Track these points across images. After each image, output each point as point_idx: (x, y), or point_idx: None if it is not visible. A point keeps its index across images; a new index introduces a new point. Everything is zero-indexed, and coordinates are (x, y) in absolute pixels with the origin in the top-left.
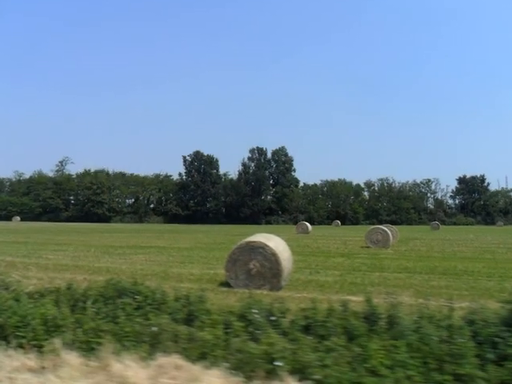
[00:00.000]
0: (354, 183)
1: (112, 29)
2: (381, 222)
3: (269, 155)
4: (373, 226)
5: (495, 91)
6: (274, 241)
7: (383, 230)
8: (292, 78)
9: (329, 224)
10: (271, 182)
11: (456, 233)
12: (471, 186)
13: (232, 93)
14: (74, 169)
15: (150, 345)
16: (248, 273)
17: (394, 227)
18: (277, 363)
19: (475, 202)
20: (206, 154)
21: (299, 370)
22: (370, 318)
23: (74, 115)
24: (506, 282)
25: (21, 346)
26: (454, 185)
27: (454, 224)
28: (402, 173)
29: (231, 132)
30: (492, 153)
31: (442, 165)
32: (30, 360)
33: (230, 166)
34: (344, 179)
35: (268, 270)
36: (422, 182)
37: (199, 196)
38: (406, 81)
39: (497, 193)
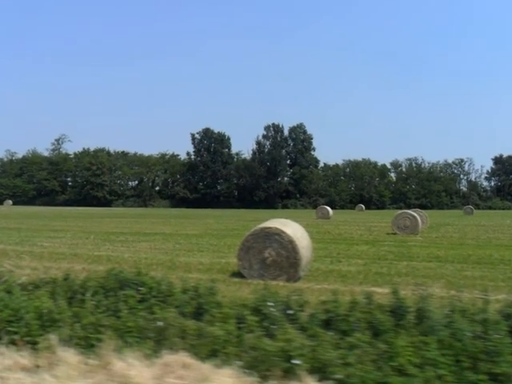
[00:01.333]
0: (380, 164)
1: None
2: (409, 207)
3: (286, 133)
4: (400, 211)
5: None
6: (292, 227)
7: (411, 215)
8: (311, 48)
9: (352, 208)
10: (288, 162)
11: (491, 218)
12: (508, 167)
13: (245, 65)
14: (71, 148)
15: (154, 341)
16: (263, 262)
17: (424, 212)
18: (294, 361)
19: None
20: (216, 131)
21: (319, 369)
22: (397, 311)
23: (72, 89)
24: None
25: (13, 343)
26: (489, 165)
27: (490, 208)
28: (433, 152)
29: (244, 107)
30: None
31: (477, 143)
32: (23, 358)
33: (243, 145)
34: (368, 159)
35: (285, 258)
36: (454, 163)
37: (209, 177)
38: (439, 51)
39: None
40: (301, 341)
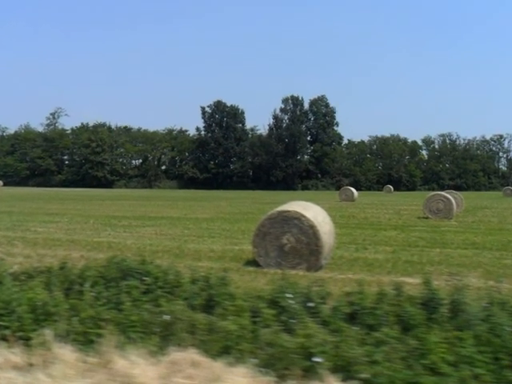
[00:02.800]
0: (410, 140)
1: None
2: (442, 188)
3: (306, 106)
4: (433, 193)
5: None
6: (313, 210)
7: (445, 198)
8: (333, 12)
9: (379, 190)
10: (309, 138)
11: None
12: None
13: (261, 31)
14: (68, 122)
15: (160, 337)
16: (280, 249)
17: (459, 194)
18: (316, 359)
19: None
20: (229, 104)
21: (343, 368)
22: (429, 304)
23: (69, 57)
24: None
25: (4, 339)
26: None
27: None
28: (469, 128)
29: (260, 78)
30: None
31: None
32: (15, 355)
33: (259, 120)
34: (397, 135)
35: (305, 245)
36: (492, 139)
37: (221, 155)
38: (479, 13)
39: None
40: (322, 336)
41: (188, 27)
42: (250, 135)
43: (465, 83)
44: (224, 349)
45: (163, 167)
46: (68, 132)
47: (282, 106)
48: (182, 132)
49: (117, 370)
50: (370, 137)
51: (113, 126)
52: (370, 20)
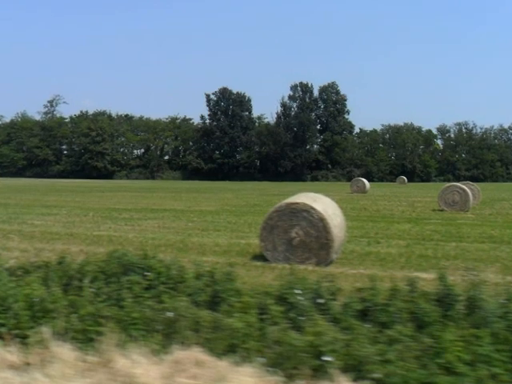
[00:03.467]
0: (425, 129)
1: None
2: (458, 179)
3: (315, 93)
4: (448, 184)
5: None
6: (323, 202)
7: (461, 189)
8: None
9: (392, 181)
10: (318, 127)
11: None
12: None
13: (267, 13)
14: (67, 111)
15: (163, 335)
16: (289, 243)
17: (475, 185)
18: (325, 358)
19: None
20: (235, 91)
21: (354, 367)
22: (445, 300)
23: (68, 42)
24: None
25: (0, 337)
26: None
27: None
28: (486, 116)
29: (267, 64)
30: None
31: None
32: (12, 354)
33: (266, 107)
34: (411, 124)
35: (314, 239)
36: (510, 128)
37: (227, 145)
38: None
39: None
40: (333, 334)
41: (192, 10)
42: (256, 124)
43: (482, 69)
44: (230, 347)
45: (166, 157)
46: (66, 120)
47: (291, 94)
48: (185, 120)
49: (118, 369)
50: (382, 125)
51: (113, 114)
52: (383, 2)
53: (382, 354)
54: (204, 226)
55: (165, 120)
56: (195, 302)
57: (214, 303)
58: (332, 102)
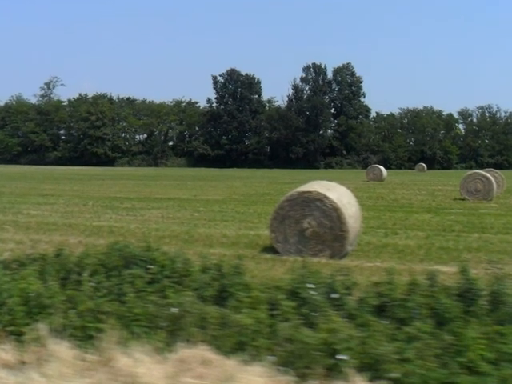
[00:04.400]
0: (445, 113)
1: None
2: (481, 166)
3: (329, 75)
4: (470, 172)
5: None
6: (337, 191)
7: (484, 177)
8: None
9: (411, 168)
10: (332, 110)
11: None
12: None
13: None
14: (64, 93)
15: (168, 332)
16: (301, 234)
17: (499, 172)
18: (340, 357)
19: None
20: (243, 73)
21: (370, 366)
22: (467, 295)
23: (66, 21)
24: None
25: None
26: None
27: None
28: (510, 99)
29: (278, 44)
30: None
31: None
32: (6, 352)
33: (277, 90)
34: (431, 107)
35: (328, 230)
36: None
37: (235, 130)
38: None
39: None
40: (348, 331)
41: None
42: (267, 107)
43: (507, 49)
44: (238, 345)
45: (170, 143)
46: (64, 104)
47: (303, 75)
48: (191, 104)
49: (119, 368)
50: (400, 109)
51: (114, 98)
52: None
53: (399, 352)
54: (211, 216)
55: (169, 103)
56: (201, 296)
57: (221, 298)
58: (347, 84)
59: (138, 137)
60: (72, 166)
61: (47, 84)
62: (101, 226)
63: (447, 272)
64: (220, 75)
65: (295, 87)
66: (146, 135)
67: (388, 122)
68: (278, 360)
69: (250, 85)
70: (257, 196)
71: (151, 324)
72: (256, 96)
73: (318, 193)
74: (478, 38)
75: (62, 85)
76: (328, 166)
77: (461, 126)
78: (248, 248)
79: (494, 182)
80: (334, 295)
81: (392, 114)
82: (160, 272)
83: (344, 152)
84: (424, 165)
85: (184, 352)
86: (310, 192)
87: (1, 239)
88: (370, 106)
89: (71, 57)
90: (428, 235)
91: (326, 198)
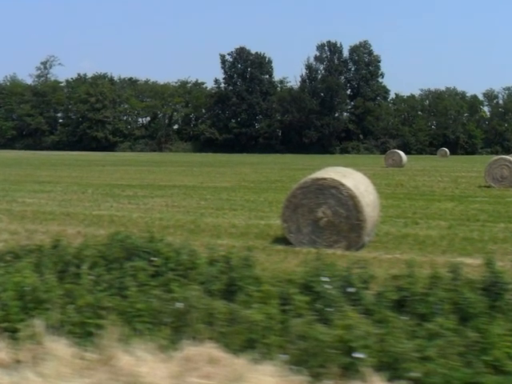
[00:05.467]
0: (469, 95)
1: None
2: (508, 151)
3: (345, 54)
4: (496, 157)
5: None
6: (353, 178)
7: (511, 163)
8: None
9: (432, 153)
10: (349, 92)
11: None
12: None
13: None
14: (62, 74)
15: (172, 328)
16: (315, 224)
17: None
18: (357, 355)
19: None
20: (253, 51)
21: (389, 365)
22: (492, 289)
23: None
24: None
25: None
26: None
27: None
28: None
29: (290, 21)
30: None
31: None
32: (0, 350)
33: (289, 70)
34: (454, 88)
35: (344, 219)
36: None
37: (244, 113)
38: None
39: None
40: (365, 328)
41: None
42: (278, 88)
43: None
44: (248, 343)
45: (175, 126)
46: (62, 85)
47: (317, 54)
48: (197, 85)
49: (120, 367)
50: (421, 90)
51: (115, 78)
52: None
53: (420, 350)
54: (218, 204)
55: (174, 84)
56: (208, 291)
57: (229, 292)
58: (364, 63)
59: (140, 120)
60: (70, 151)
61: (44, 63)
62: (101, 216)
63: (471, 264)
64: (228, 54)
65: (309, 67)
66: (149, 118)
67: (408, 104)
68: (290, 358)
69: (261, 64)
70: (268, 183)
71: (155, 320)
72: (267, 76)
73: (334, 180)
74: (504, 14)
75: (59, 64)
76: (344, 151)
77: (486, 109)
78: (258, 239)
79: None
80: (350, 289)
81: (412, 96)
82: (164, 264)
83: (361, 136)
84: (446, 150)
85: (190, 350)
86: (324, 179)
87: None
88: (388, 87)
89: (69, 34)
90: (451, 225)
91: (342, 185)
